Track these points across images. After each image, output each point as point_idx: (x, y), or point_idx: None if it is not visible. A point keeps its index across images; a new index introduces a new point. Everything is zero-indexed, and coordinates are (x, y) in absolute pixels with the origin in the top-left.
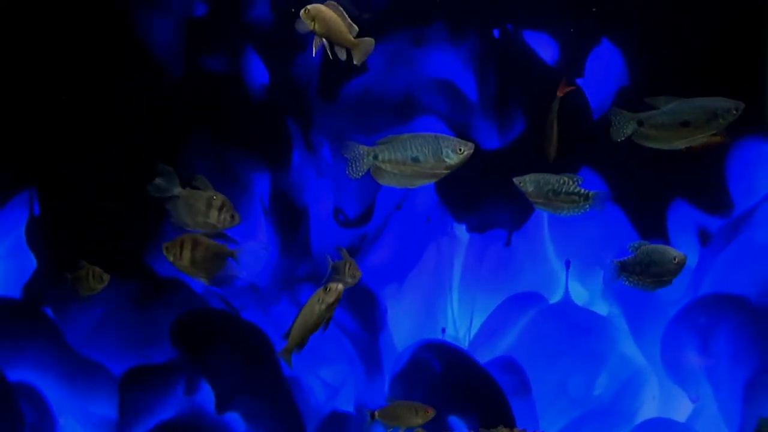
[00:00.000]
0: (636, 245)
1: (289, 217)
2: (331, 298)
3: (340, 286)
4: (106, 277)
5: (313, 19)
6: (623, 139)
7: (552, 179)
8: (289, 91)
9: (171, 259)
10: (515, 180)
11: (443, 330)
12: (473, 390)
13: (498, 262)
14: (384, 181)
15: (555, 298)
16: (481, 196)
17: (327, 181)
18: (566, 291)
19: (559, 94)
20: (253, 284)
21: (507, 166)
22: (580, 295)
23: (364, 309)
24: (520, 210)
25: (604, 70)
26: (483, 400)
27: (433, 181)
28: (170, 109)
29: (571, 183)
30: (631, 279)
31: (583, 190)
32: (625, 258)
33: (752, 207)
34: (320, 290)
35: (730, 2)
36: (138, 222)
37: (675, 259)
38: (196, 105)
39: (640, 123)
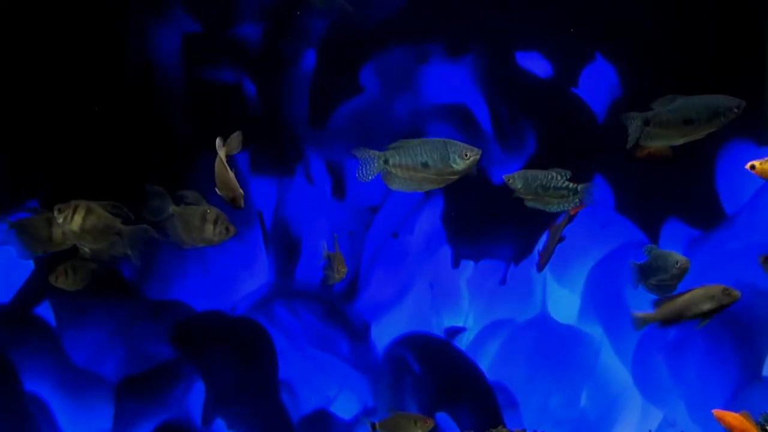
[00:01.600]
0: (648, 249)
1: (284, 240)
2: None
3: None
4: (81, 266)
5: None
6: (636, 143)
7: (540, 175)
8: (288, 112)
9: (60, 221)
10: (505, 177)
11: (431, 285)
12: (464, 385)
13: (497, 285)
14: (394, 186)
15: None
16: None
17: (323, 206)
18: (543, 302)
19: (572, 213)
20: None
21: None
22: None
23: (356, 330)
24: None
25: (597, 83)
26: (474, 395)
27: (441, 186)
28: (170, 124)
29: (559, 178)
30: (647, 283)
31: (571, 185)
32: (642, 262)
33: (736, 212)
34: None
35: (726, 16)
36: None
37: (678, 263)
38: (197, 122)
39: (647, 122)
